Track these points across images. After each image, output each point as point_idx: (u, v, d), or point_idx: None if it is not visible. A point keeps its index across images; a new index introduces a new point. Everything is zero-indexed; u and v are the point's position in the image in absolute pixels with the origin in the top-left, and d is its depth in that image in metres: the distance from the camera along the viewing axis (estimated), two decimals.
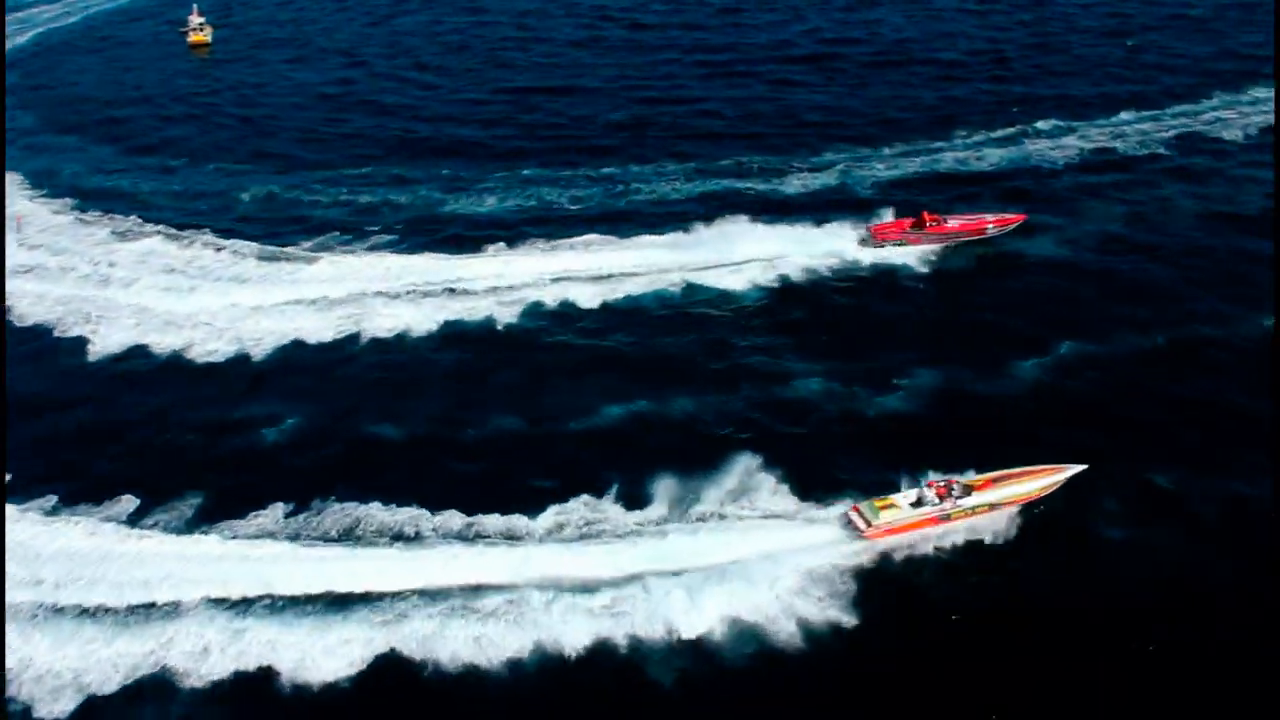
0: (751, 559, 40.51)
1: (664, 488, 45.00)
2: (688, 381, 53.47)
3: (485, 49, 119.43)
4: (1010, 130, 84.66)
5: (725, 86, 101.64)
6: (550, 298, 62.10)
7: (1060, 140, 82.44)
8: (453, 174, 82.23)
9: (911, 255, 63.61)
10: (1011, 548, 42.58)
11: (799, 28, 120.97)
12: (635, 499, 44.78)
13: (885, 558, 41.69)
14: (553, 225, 71.92)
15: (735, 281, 62.72)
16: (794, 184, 77.47)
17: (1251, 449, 46.56)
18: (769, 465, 45.86)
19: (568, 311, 61.07)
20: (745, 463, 46.08)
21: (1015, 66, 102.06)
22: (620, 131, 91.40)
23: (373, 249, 69.44)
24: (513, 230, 71.17)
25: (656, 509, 44.17)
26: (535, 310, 61.19)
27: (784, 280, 62.83)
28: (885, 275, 63.06)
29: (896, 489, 44.27)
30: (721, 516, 43.41)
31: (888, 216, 67.59)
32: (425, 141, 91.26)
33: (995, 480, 43.55)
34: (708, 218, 70.05)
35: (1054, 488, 43.82)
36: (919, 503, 42.77)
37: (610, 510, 44.23)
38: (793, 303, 61.20)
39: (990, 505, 43.06)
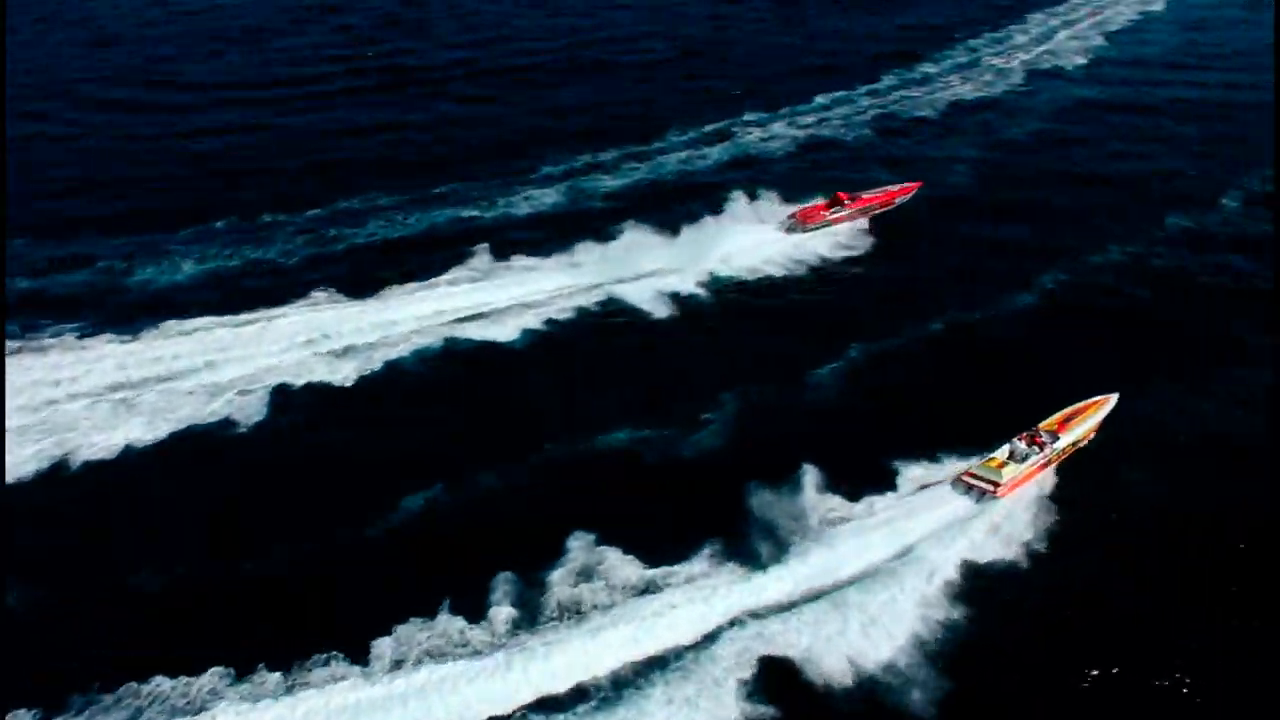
0: (650, 659, 35.80)
1: (502, 586, 39.11)
2: (482, 454, 47.49)
3: (129, 89, 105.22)
4: (719, 124, 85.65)
5: (408, 110, 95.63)
6: (294, 379, 53.19)
7: (770, 129, 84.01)
8: (131, 237, 70.10)
9: (688, 280, 61.31)
10: None
11: (469, 36, 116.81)
12: (474, 608, 38.45)
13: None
14: (266, 288, 62.68)
15: (498, 329, 57.17)
16: (522, 206, 73.44)
17: None
18: (607, 536, 41.37)
19: (321, 393, 52.58)
20: (580, 538, 41.28)
21: (701, 61, 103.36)
22: (310, 169, 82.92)
23: (55, 338, 56.53)
24: (220, 300, 61.19)
25: (503, 612, 38.08)
26: (281, 397, 52.00)
27: (549, 321, 58.19)
28: (656, 303, 60.02)
29: (745, 530, 41.64)
30: (579, 612, 38.33)
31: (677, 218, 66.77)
32: (87, 199, 77.97)
33: (1064, 422, 45.64)
34: (444, 258, 64.50)
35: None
36: (1012, 456, 43.39)
37: (451, 627, 37.60)
38: (566, 344, 56.75)
39: (1073, 444, 45.43)
